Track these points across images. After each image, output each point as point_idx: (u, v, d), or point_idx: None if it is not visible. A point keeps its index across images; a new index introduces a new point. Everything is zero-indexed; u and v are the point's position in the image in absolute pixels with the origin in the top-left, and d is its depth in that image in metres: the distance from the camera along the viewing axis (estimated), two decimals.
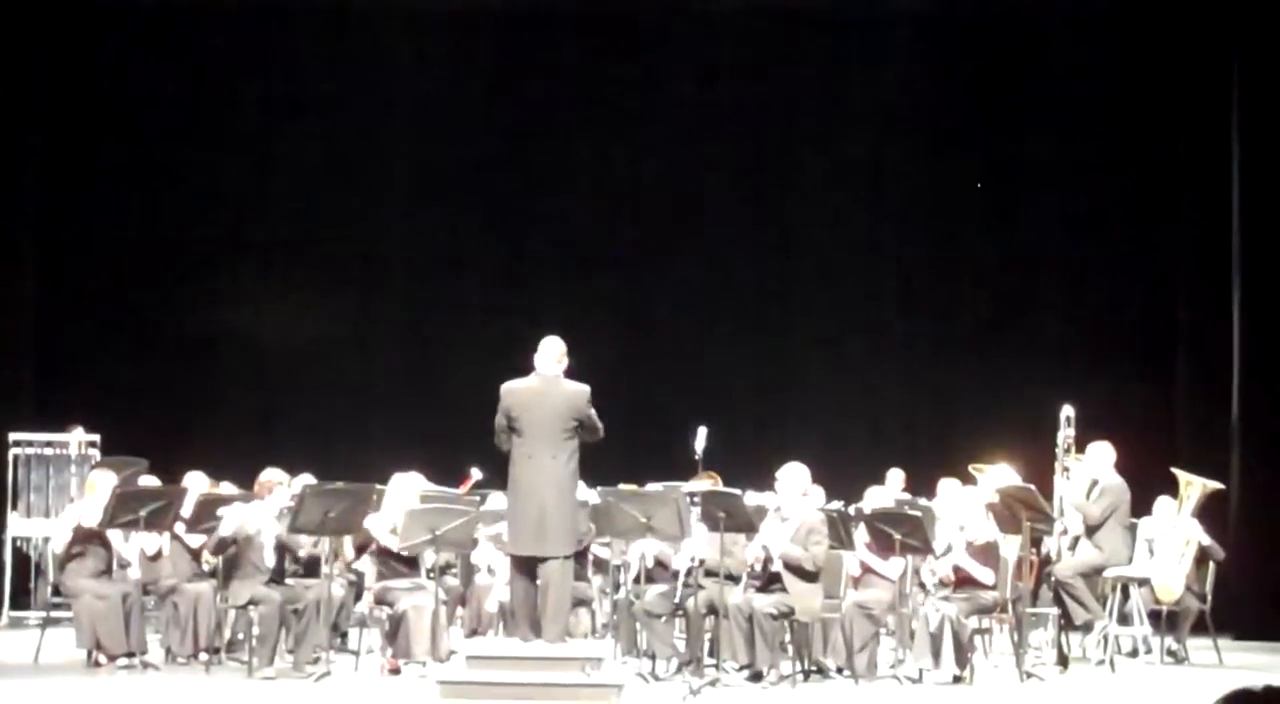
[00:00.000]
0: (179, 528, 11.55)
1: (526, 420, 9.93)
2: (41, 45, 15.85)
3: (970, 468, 13.03)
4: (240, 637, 11.53)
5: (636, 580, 11.36)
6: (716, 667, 10.82)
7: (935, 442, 14.98)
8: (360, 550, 11.61)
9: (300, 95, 16.23)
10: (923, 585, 11.56)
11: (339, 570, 11.51)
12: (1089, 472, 12.08)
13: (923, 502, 12.46)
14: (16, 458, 14.52)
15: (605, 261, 16.26)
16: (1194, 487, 12.80)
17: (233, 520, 11.12)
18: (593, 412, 10.00)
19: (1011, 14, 15.99)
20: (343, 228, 16.33)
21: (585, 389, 10.02)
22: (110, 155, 16.15)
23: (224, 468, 12.76)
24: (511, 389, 10.03)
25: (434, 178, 16.30)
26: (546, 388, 10.01)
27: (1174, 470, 13.03)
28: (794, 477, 10.94)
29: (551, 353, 10.08)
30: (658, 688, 10.66)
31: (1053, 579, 11.95)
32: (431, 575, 11.19)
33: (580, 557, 11.13)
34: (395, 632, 10.96)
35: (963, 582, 11.10)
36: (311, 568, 11.69)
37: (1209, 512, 13.06)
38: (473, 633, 11.68)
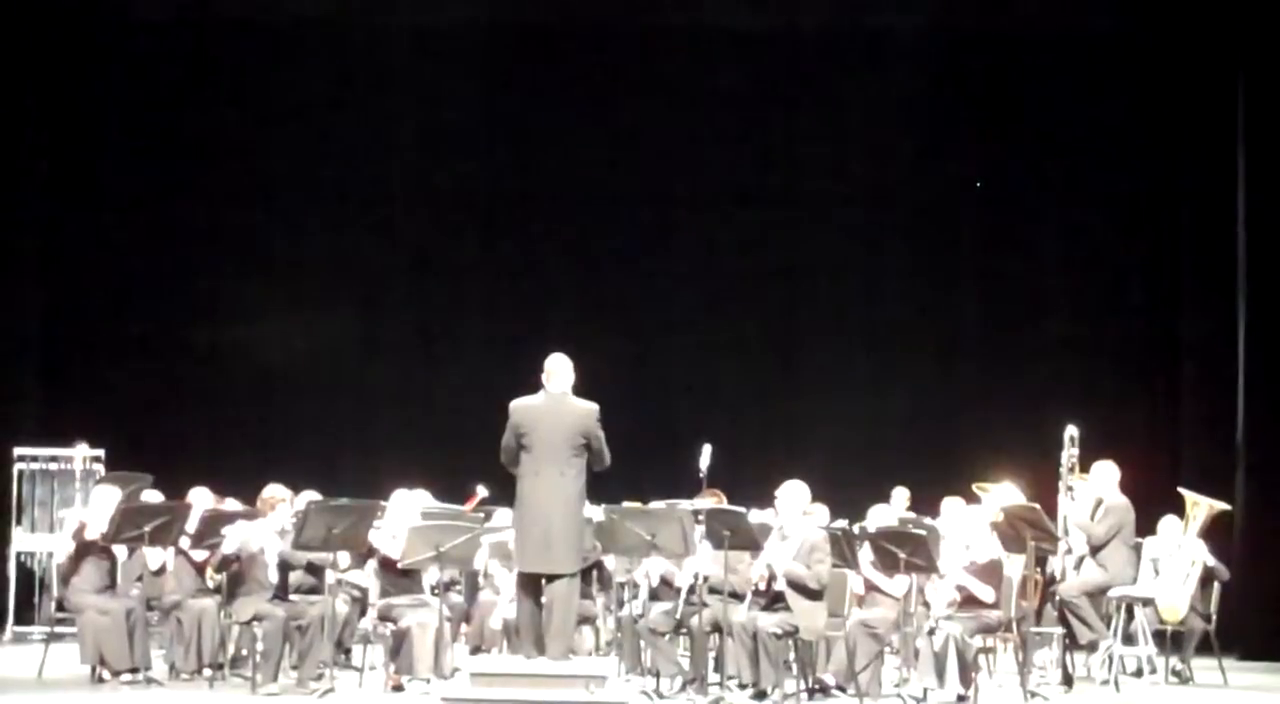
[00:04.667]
0: (183, 543, 11.55)
1: (535, 437, 9.97)
2: (44, 62, 15.88)
3: (974, 487, 13.02)
4: (244, 653, 11.52)
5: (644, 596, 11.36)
6: (721, 685, 10.80)
7: (939, 460, 14.96)
8: (363, 559, 11.59)
9: (303, 107, 16.25)
10: (927, 604, 11.55)
11: (335, 577, 11.49)
12: (1093, 491, 12.07)
13: (927, 521, 12.45)
14: (21, 473, 14.57)
15: (609, 278, 16.27)
16: (1200, 507, 12.78)
17: (235, 538, 11.12)
18: (601, 434, 10.04)
19: (1014, 29, 16.01)
20: (346, 242, 16.34)
21: (594, 407, 10.06)
22: (114, 170, 16.16)
23: (228, 483, 12.76)
24: (520, 407, 10.07)
25: (437, 192, 16.32)
26: (555, 405, 10.04)
27: (1181, 491, 13.01)
28: (794, 495, 10.93)
29: (559, 370, 10.12)
30: None
31: (1057, 599, 11.94)
32: (436, 592, 11.19)
33: (585, 574, 11.14)
34: (399, 648, 10.94)
35: (966, 600, 11.08)
36: (315, 572, 11.69)
37: (1214, 532, 13.05)
38: (476, 650, 11.68)
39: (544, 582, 9.99)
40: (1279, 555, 14.32)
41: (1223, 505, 12.95)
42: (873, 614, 11.16)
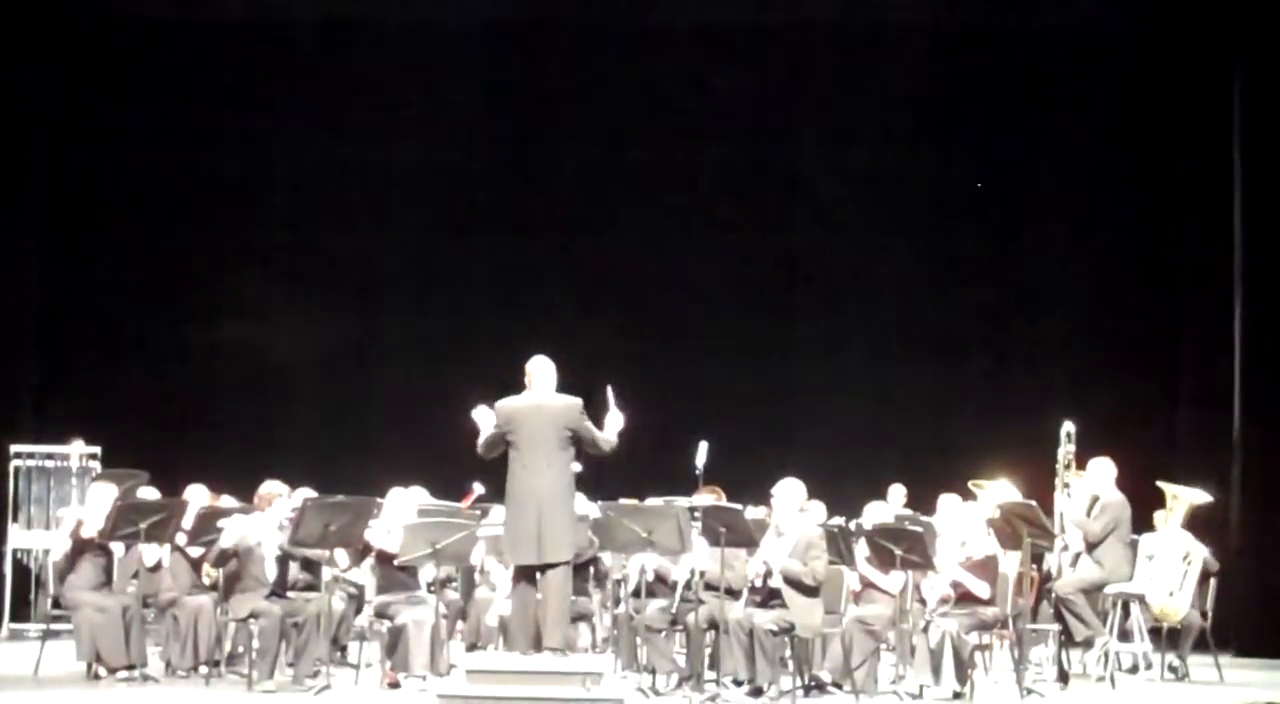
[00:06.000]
0: (179, 540, 11.55)
1: (522, 433, 10.14)
2: (45, 62, 15.88)
3: (970, 484, 13.02)
4: (240, 650, 11.52)
5: (636, 594, 11.36)
6: (717, 682, 10.81)
7: (935, 458, 14.97)
8: (361, 555, 11.60)
9: (303, 107, 16.26)
10: (923, 601, 11.55)
11: (334, 575, 11.51)
12: (1090, 488, 12.06)
13: (923, 518, 12.45)
14: (17, 470, 14.56)
15: (607, 276, 16.27)
16: (1180, 500, 12.74)
17: (233, 533, 11.13)
18: (588, 424, 10.16)
19: (1013, 28, 16.02)
20: (345, 241, 16.36)
21: (577, 401, 10.23)
22: (113, 169, 16.17)
23: (224, 480, 12.77)
24: (505, 406, 10.26)
25: (436, 191, 16.32)
26: (540, 402, 10.25)
27: (1160, 484, 12.96)
28: (789, 493, 10.95)
29: (540, 372, 10.32)
30: (658, 703, 10.66)
31: (1053, 595, 11.93)
32: (432, 589, 11.20)
33: (581, 570, 11.17)
34: (395, 645, 10.95)
35: (962, 597, 11.09)
36: (312, 570, 11.70)
37: (1208, 526, 13.05)
38: (472, 647, 11.68)
39: (539, 575, 10.03)
40: (1275, 553, 14.32)
41: (1204, 497, 12.87)
42: (869, 611, 11.17)
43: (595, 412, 10.27)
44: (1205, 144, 15.38)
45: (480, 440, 10.28)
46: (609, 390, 10.30)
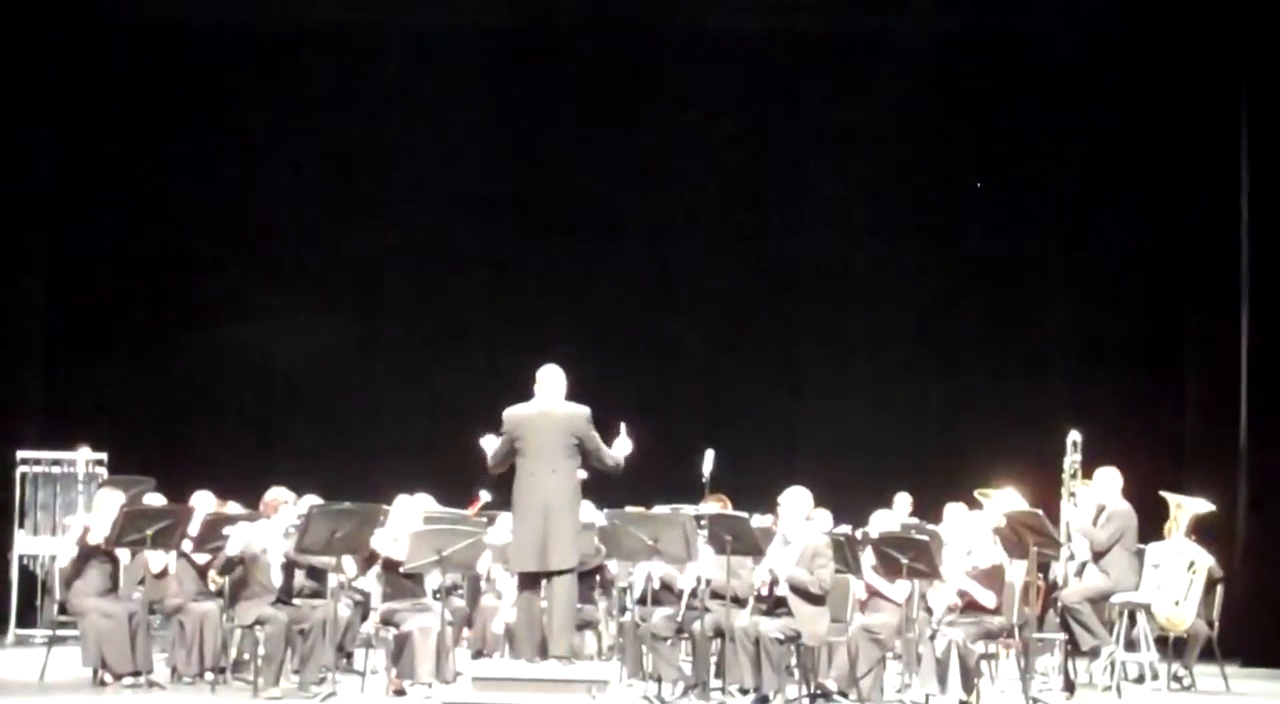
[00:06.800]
0: (185, 546, 11.56)
1: (529, 440, 10.22)
2: (49, 65, 15.91)
3: (976, 493, 13.01)
4: (246, 656, 11.52)
5: (642, 602, 11.36)
6: (723, 690, 10.80)
7: (941, 466, 14.97)
8: (367, 563, 11.60)
9: (305, 112, 16.27)
10: (929, 610, 11.54)
11: (340, 582, 11.51)
12: (1096, 497, 12.06)
13: (929, 526, 12.45)
14: (24, 476, 14.57)
15: (611, 280, 16.28)
16: (1184, 509, 12.72)
17: (239, 540, 11.14)
18: (595, 434, 10.24)
19: (1016, 30, 16.02)
20: (350, 247, 16.37)
21: (584, 410, 10.30)
22: (119, 175, 16.20)
23: (230, 487, 12.77)
24: (513, 414, 10.32)
25: (439, 195, 16.33)
26: (547, 409, 10.31)
27: (1163, 494, 12.94)
28: (796, 501, 10.96)
29: (549, 380, 10.39)
30: None
31: (1060, 605, 11.93)
32: (438, 596, 11.20)
33: (587, 577, 11.17)
34: (400, 652, 10.95)
35: (968, 606, 11.08)
36: (318, 577, 11.71)
37: (1219, 536, 13.03)
38: (478, 654, 11.68)
39: (544, 582, 10.04)
40: None
41: (1206, 506, 12.85)
42: (875, 619, 11.17)
43: (607, 439, 10.32)
44: (1211, 144, 15.33)
45: (489, 459, 10.38)
46: (622, 426, 10.37)
